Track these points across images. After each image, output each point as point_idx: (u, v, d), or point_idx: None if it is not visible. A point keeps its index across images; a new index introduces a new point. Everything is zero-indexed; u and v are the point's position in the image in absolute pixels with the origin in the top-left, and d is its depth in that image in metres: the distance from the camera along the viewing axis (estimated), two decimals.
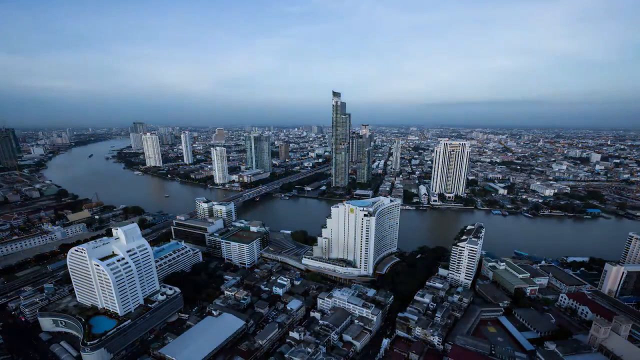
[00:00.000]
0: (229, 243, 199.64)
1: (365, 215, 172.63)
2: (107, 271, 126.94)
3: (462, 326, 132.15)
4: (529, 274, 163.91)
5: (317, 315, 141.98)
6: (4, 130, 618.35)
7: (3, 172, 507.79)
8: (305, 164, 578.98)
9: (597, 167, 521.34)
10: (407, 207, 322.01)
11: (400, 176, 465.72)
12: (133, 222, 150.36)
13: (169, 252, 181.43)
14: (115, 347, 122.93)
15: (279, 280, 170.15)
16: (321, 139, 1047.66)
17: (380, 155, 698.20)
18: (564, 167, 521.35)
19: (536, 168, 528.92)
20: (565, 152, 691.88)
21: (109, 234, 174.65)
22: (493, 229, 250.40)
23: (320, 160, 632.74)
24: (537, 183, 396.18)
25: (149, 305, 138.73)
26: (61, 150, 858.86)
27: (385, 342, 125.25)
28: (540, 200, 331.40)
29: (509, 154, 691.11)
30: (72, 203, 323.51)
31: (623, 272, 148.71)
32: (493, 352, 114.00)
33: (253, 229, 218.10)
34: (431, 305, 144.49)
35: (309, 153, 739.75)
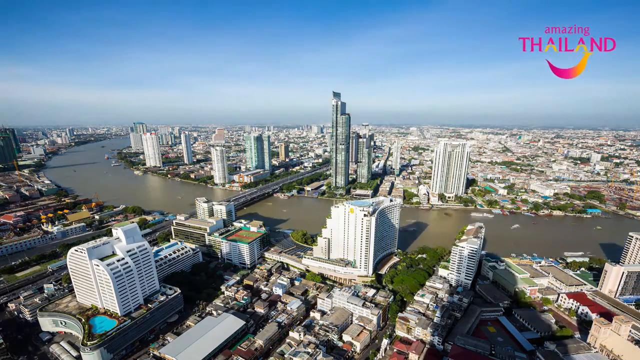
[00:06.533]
0: (229, 243, 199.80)
1: (365, 215, 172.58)
2: (107, 271, 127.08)
3: (462, 326, 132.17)
4: (529, 274, 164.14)
5: (317, 315, 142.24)
6: (4, 130, 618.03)
7: (3, 172, 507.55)
8: (305, 164, 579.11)
9: (597, 167, 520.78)
10: (407, 207, 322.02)
11: (400, 176, 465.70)
12: (133, 222, 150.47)
13: (169, 252, 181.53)
14: (115, 347, 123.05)
15: (279, 280, 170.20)
16: (321, 138, 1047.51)
17: (380, 155, 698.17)
18: (564, 167, 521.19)
19: (536, 168, 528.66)
20: (565, 152, 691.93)
21: (109, 234, 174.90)
22: (493, 229, 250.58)
23: (320, 160, 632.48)
24: (537, 183, 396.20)
25: (149, 305, 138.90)
26: (61, 150, 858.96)
27: (385, 342, 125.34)
28: (540, 200, 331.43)
29: (509, 154, 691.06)
30: (72, 203, 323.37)
31: (623, 272, 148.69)
32: (493, 352, 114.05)
33: (253, 229, 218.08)
34: (431, 305, 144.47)
35: (309, 153, 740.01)
